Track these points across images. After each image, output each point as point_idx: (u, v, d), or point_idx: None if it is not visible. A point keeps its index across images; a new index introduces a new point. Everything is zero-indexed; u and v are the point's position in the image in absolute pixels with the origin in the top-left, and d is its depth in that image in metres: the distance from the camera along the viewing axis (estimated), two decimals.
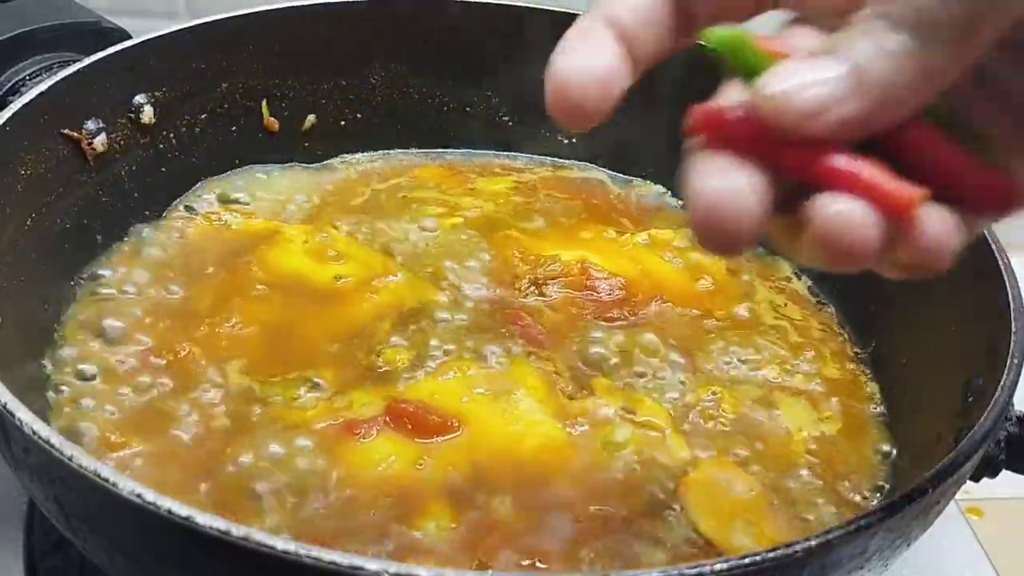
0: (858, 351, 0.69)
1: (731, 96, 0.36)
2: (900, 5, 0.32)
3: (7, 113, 0.59)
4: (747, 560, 0.38)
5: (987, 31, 0.32)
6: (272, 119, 0.78)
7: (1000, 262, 0.57)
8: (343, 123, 0.81)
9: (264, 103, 0.78)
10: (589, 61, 0.36)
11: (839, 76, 0.32)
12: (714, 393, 0.61)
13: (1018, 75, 0.35)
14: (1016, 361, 0.50)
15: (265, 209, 0.74)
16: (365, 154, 0.83)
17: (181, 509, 0.38)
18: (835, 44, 0.33)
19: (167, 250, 0.68)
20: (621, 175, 0.83)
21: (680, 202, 0.79)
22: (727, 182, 0.33)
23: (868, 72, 0.32)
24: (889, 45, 0.32)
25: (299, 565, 0.36)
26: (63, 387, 0.58)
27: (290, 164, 0.80)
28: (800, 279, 0.74)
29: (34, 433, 0.41)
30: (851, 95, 0.32)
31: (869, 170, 0.32)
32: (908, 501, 0.42)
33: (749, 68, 0.34)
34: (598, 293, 0.67)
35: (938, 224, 0.34)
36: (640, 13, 0.37)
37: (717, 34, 0.34)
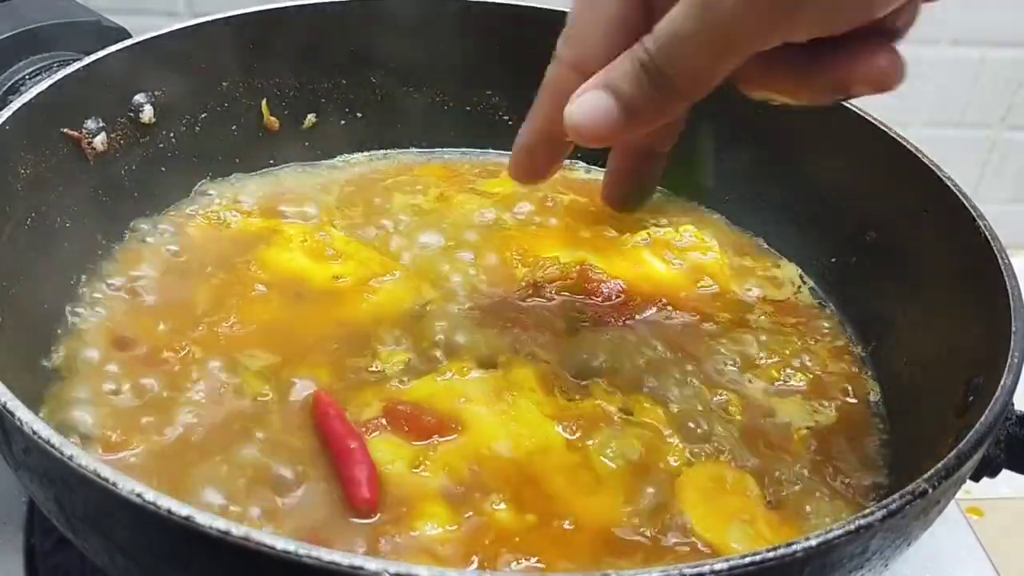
0: (858, 350, 0.69)
1: None
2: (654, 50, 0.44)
3: (7, 112, 0.59)
4: (747, 560, 0.38)
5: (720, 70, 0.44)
6: (272, 118, 0.78)
7: (1000, 262, 0.57)
8: (343, 122, 0.81)
9: (264, 102, 0.78)
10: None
11: (609, 107, 0.46)
12: (719, 395, 0.61)
13: None
14: (1016, 361, 0.50)
15: (264, 208, 0.74)
16: (365, 154, 0.83)
17: (181, 509, 0.38)
18: (607, 78, 0.47)
19: (166, 249, 0.68)
20: None
21: (684, 200, 0.80)
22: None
23: (630, 104, 0.46)
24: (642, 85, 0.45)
25: (299, 565, 0.36)
26: (63, 386, 0.58)
27: (290, 163, 0.80)
28: (802, 280, 0.74)
29: (34, 433, 0.41)
30: (619, 118, 0.46)
31: None
32: (908, 501, 0.42)
33: None
34: (597, 296, 0.67)
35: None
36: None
37: None
